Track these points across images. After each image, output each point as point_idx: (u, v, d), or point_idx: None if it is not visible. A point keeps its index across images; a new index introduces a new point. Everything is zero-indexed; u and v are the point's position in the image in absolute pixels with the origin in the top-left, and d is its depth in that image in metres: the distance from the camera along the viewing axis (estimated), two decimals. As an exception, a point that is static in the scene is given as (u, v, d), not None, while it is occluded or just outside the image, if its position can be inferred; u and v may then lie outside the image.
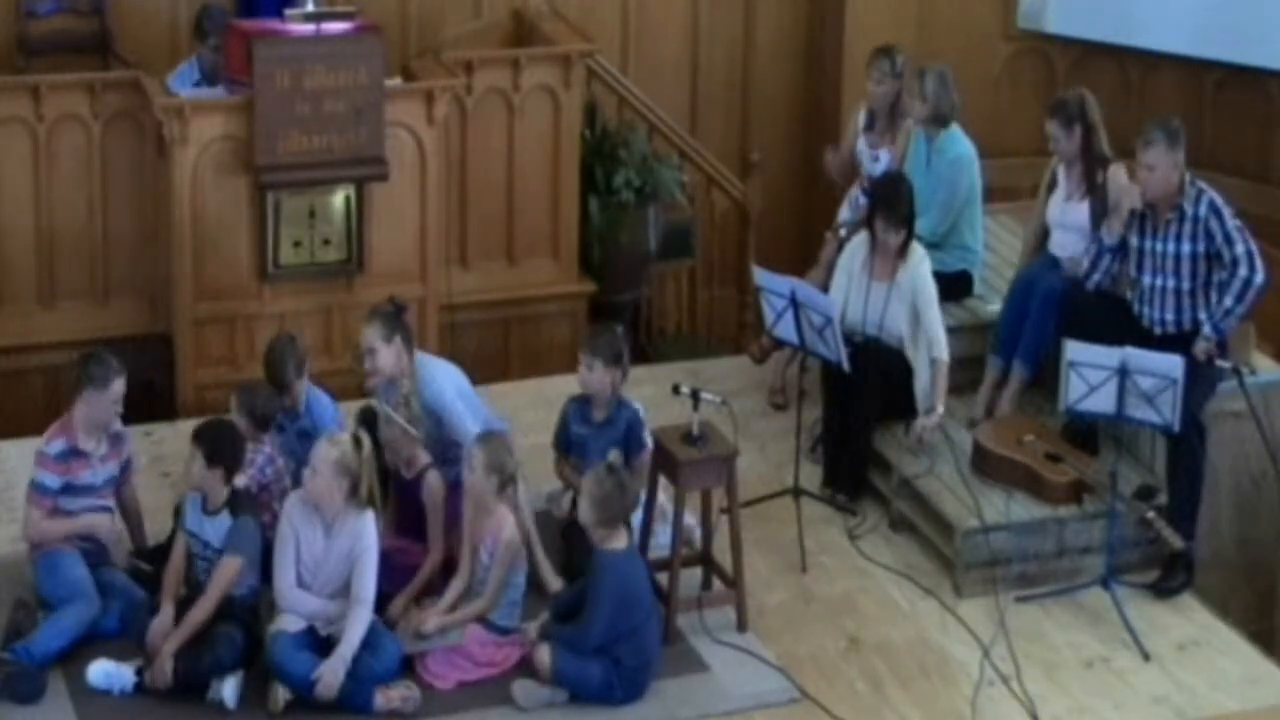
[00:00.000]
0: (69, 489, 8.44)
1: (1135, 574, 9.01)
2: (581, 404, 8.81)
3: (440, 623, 8.18)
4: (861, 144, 10.40)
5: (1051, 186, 9.84)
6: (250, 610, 8.14)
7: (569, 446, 8.83)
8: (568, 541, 8.69)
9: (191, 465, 8.14)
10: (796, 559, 9.08)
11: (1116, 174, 9.54)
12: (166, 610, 8.10)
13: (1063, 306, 9.42)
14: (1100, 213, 9.50)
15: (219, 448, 8.10)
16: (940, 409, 9.34)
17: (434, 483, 8.50)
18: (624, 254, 11.29)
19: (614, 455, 8.50)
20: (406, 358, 8.81)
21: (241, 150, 10.05)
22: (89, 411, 8.40)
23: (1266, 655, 8.71)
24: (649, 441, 8.68)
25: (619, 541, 8.09)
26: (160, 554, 8.59)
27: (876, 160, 10.30)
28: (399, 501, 8.63)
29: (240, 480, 8.36)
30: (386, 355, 8.76)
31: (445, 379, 8.89)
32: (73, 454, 8.43)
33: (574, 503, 8.75)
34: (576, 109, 11.01)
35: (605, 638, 8.02)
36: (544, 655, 8.07)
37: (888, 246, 9.39)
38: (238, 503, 8.13)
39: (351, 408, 9.24)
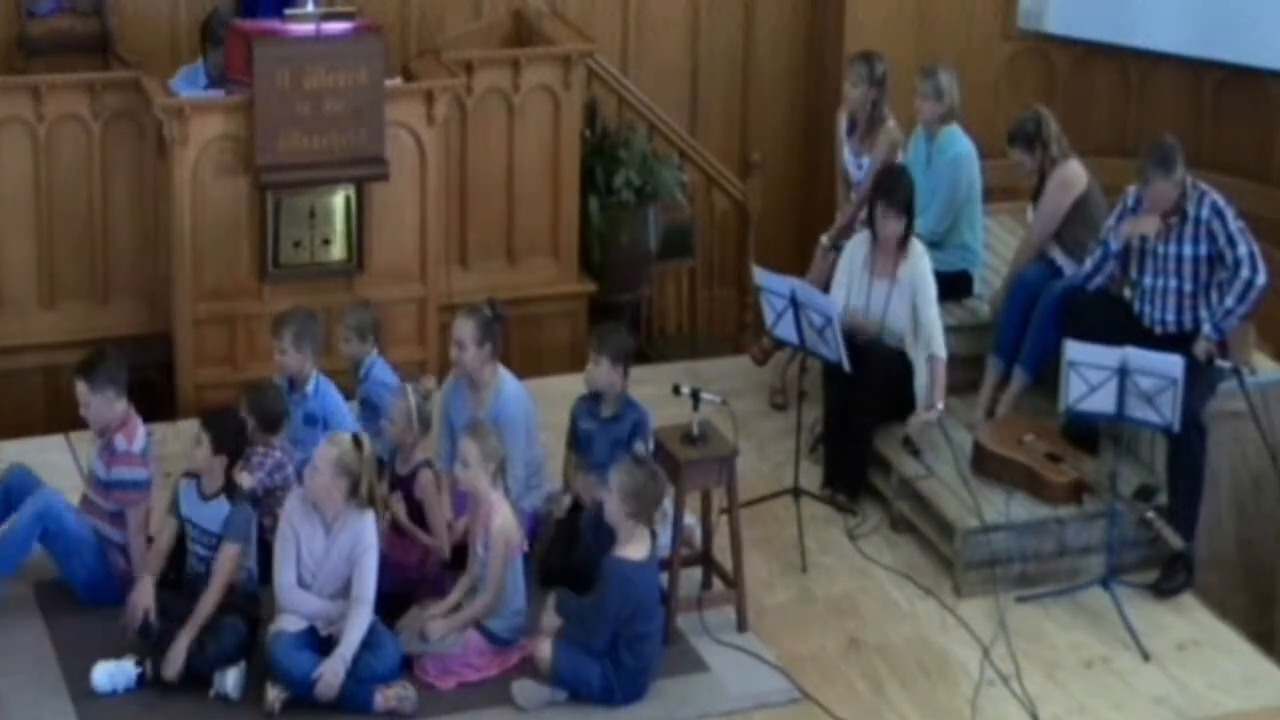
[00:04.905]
0: None
1: (1135, 574, 9.01)
2: (590, 400, 8.83)
3: (445, 626, 8.18)
4: (846, 151, 10.39)
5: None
6: (251, 597, 8.18)
7: (577, 443, 8.84)
8: (566, 541, 8.70)
9: (196, 450, 8.20)
10: (796, 559, 9.08)
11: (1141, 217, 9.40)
12: (145, 582, 8.16)
13: (1062, 307, 9.42)
14: (1050, 212, 9.60)
15: (226, 437, 8.20)
16: (940, 405, 9.34)
17: (425, 479, 8.54)
18: (624, 254, 11.28)
19: (638, 447, 8.52)
20: (490, 366, 8.86)
21: (241, 150, 10.05)
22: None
23: (1266, 655, 8.71)
24: (652, 446, 8.68)
25: (638, 549, 8.05)
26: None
27: (860, 168, 10.28)
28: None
29: (248, 482, 8.41)
30: (474, 356, 8.81)
31: (521, 403, 8.91)
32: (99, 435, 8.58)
33: (575, 504, 8.78)
34: (576, 109, 11.01)
35: (608, 640, 8.02)
36: (544, 651, 8.07)
37: (888, 239, 9.38)
38: (235, 490, 8.19)
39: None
